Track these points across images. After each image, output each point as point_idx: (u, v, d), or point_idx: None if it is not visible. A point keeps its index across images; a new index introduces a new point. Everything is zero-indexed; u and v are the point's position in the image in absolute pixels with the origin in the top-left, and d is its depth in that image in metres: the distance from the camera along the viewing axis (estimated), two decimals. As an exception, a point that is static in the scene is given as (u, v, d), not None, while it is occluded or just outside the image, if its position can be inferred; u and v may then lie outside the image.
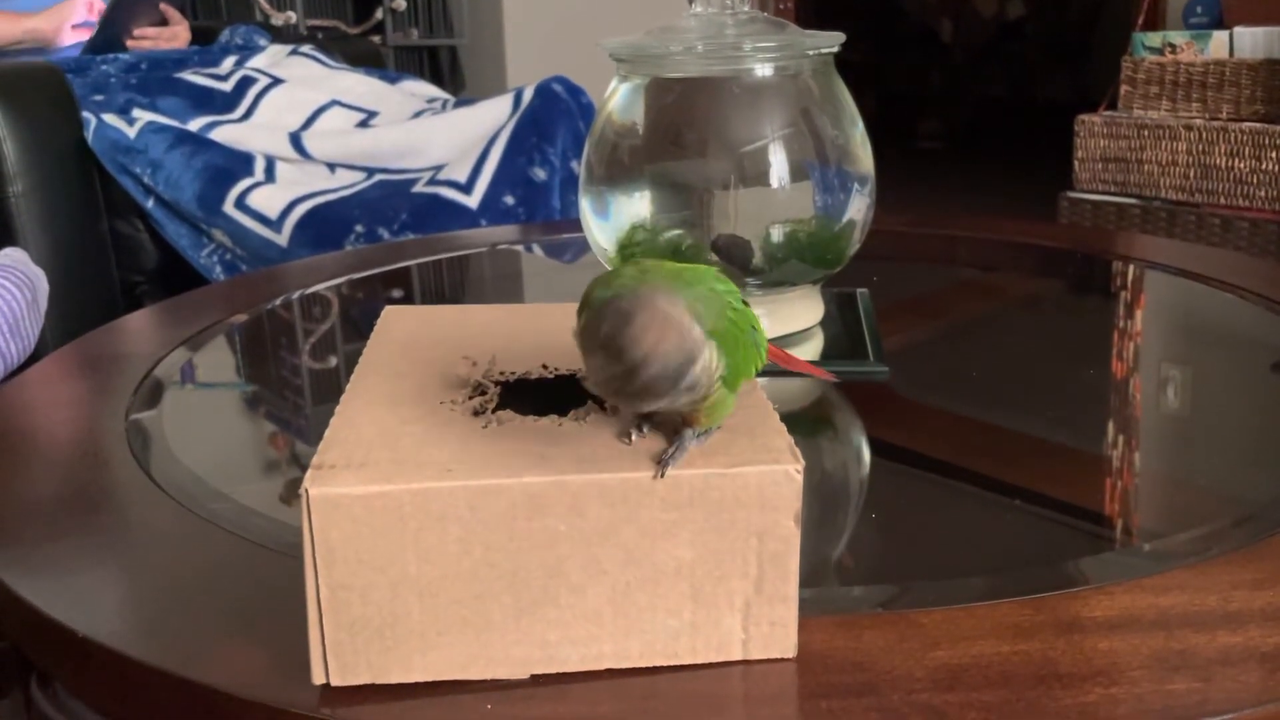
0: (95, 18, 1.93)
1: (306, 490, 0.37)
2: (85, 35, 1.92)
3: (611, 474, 0.38)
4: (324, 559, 0.38)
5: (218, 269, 1.64)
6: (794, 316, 0.79)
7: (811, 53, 0.75)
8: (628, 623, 0.39)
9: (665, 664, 0.40)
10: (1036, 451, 0.66)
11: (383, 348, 0.51)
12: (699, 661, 0.40)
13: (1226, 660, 0.40)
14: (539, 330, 0.52)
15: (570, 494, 0.38)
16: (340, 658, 0.39)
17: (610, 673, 0.40)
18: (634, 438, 0.40)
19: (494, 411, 0.43)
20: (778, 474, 0.39)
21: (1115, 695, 0.38)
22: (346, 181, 1.67)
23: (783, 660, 0.40)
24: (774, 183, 0.75)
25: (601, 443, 0.40)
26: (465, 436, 0.41)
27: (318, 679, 0.39)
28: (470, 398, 0.44)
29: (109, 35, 1.91)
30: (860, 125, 0.78)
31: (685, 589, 0.39)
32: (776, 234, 0.75)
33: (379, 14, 3.04)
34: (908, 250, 1.11)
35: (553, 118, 1.70)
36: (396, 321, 0.54)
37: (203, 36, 2.09)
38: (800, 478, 0.39)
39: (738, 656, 0.40)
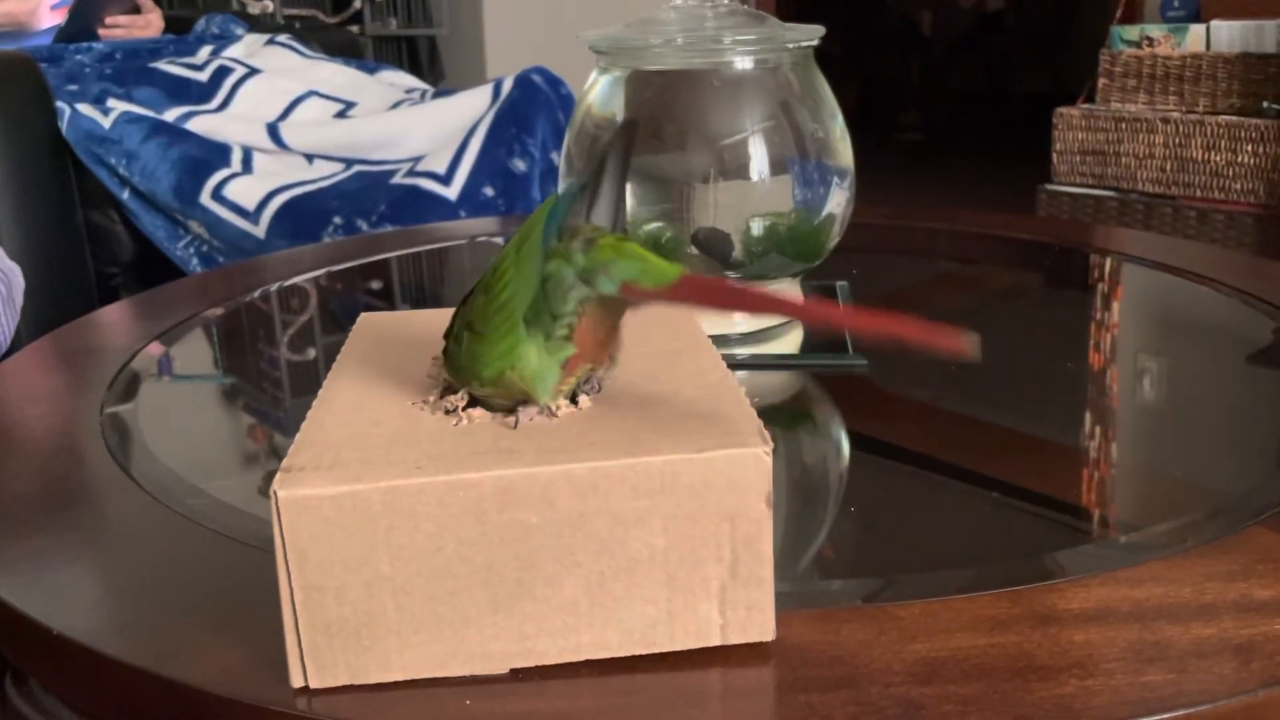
0: None
1: (275, 493, 0.37)
2: (64, 16, 1.89)
3: (580, 463, 0.38)
4: (296, 561, 0.37)
5: (194, 261, 1.63)
6: (773, 309, 0.79)
7: (791, 46, 0.75)
8: (604, 612, 0.39)
9: (644, 652, 0.40)
10: (1014, 444, 0.66)
11: (355, 354, 0.50)
12: (677, 649, 0.40)
13: (1201, 652, 0.40)
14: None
15: (540, 485, 0.38)
16: (318, 660, 0.38)
17: (589, 666, 0.40)
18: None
19: (464, 410, 0.43)
20: (746, 457, 0.39)
21: (1091, 687, 0.38)
22: (324, 173, 1.65)
23: (762, 653, 0.40)
24: (754, 176, 0.75)
25: (571, 435, 0.40)
26: (435, 435, 0.41)
27: (296, 682, 0.39)
28: (441, 397, 0.44)
29: (81, 24, 1.89)
30: (840, 118, 0.78)
31: (660, 576, 0.39)
32: (756, 227, 0.75)
33: (357, 3, 3.03)
34: (887, 243, 1.11)
35: (532, 109, 1.69)
36: (370, 329, 0.54)
37: (178, 25, 2.07)
38: (769, 459, 0.39)
39: (716, 642, 0.40)
